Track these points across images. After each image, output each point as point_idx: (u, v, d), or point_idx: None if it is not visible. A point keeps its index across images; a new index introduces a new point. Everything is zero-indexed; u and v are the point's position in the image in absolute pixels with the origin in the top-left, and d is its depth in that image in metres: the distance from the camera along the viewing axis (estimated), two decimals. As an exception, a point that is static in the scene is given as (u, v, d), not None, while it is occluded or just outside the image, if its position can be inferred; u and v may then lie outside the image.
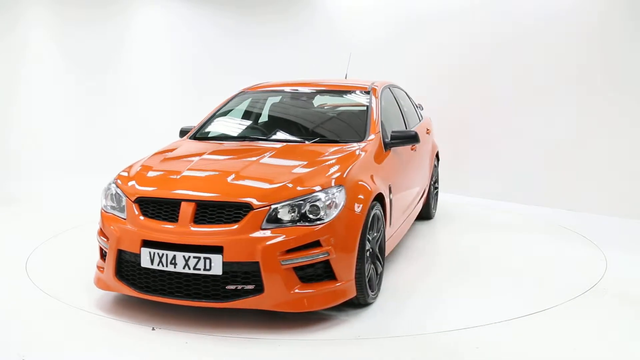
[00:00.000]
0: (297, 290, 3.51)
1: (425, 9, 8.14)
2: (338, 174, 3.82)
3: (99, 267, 4.00)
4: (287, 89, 5.42)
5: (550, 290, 4.32)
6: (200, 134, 5.00)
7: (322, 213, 3.57)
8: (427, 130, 6.20)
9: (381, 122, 4.74)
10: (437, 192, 6.67)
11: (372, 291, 3.95)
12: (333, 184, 3.71)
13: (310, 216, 3.56)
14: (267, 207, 3.54)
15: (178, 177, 3.91)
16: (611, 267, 4.85)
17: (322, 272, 3.60)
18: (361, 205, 3.76)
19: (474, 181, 7.66)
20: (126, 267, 3.77)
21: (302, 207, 3.57)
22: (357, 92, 5.21)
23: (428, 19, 8.12)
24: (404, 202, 4.98)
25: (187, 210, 3.60)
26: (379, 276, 4.12)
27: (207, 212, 3.60)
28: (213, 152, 4.44)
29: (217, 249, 3.47)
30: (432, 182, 6.38)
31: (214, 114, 5.21)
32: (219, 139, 4.92)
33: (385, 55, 8.31)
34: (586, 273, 4.70)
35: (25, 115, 7.98)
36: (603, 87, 6.78)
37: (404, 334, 3.54)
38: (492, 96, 7.63)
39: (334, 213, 3.60)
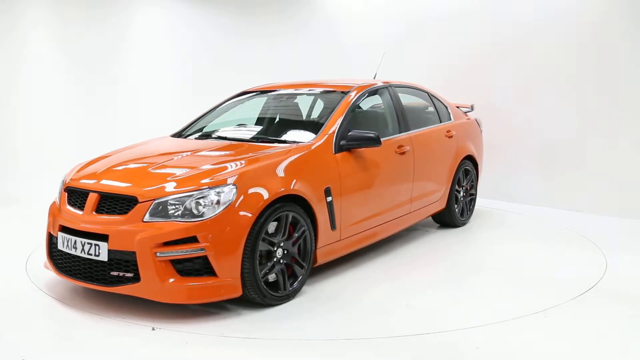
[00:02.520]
0: (171, 282, 3.62)
1: (425, 9, 8.14)
2: (233, 173, 3.87)
3: None
4: (277, 91, 5.54)
5: (550, 290, 4.32)
6: (183, 133, 5.29)
7: (203, 210, 3.67)
8: (448, 132, 5.99)
9: (344, 124, 4.66)
10: (472, 199, 6.42)
11: (277, 293, 3.94)
12: (223, 182, 3.77)
13: (195, 212, 3.67)
14: (151, 201, 3.70)
15: (100, 170, 4.23)
16: (611, 267, 4.85)
17: (201, 267, 3.67)
18: (254, 205, 3.78)
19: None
20: (53, 250, 4.20)
21: (187, 203, 3.68)
22: (336, 92, 5.14)
23: (428, 20, 8.11)
24: (370, 207, 4.82)
25: (91, 200, 3.93)
26: (300, 279, 4.11)
27: (107, 203, 3.88)
28: (157, 149, 4.73)
29: (104, 237, 3.75)
30: (467, 188, 6.27)
31: (201, 116, 5.50)
32: (195, 137, 5.13)
33: (385, 55, 8.30)
34: (586, 273, 4.70)
35: (25, 115, 7.97)
36: (603, 87, 6.78)
37: (402, 334, 3.55)
38: (491, 96, 7.62)
39: (216, 210, 3.67)
